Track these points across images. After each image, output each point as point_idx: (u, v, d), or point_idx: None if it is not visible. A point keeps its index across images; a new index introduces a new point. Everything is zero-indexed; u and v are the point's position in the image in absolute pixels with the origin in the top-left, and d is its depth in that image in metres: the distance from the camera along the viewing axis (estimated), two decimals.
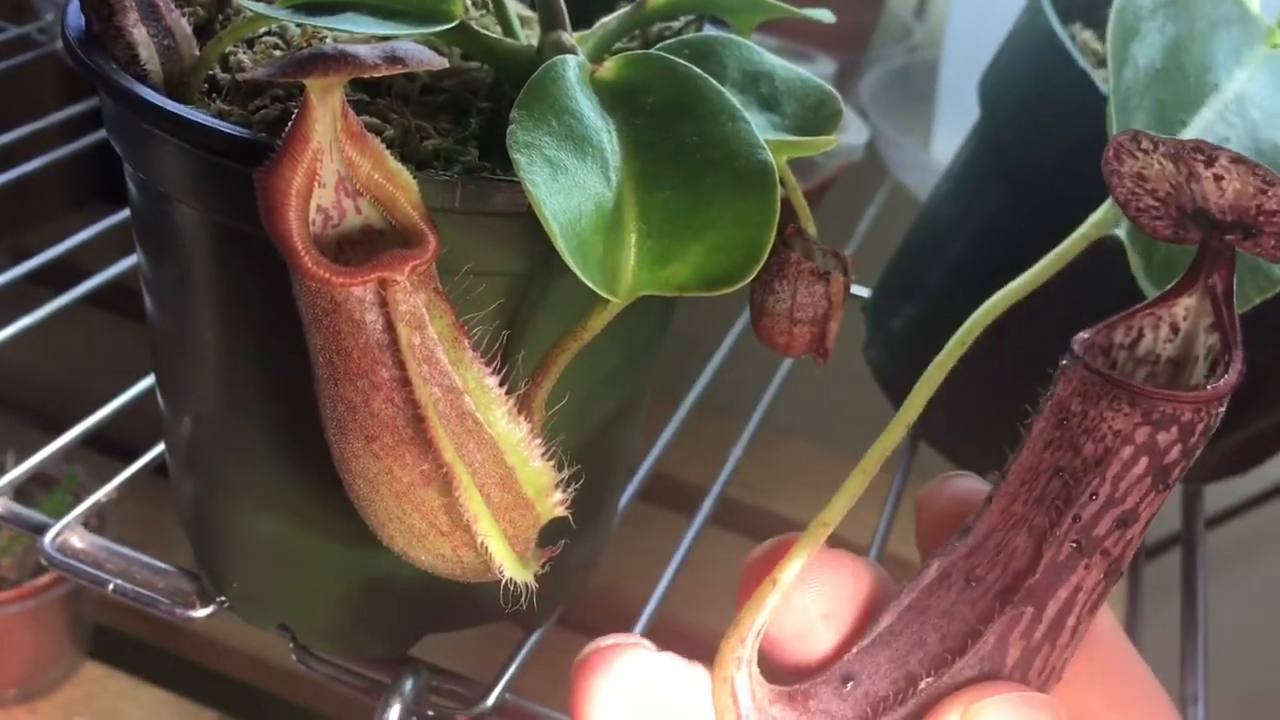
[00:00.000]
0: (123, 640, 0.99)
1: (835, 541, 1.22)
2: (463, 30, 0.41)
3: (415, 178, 0.36)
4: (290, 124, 0.34)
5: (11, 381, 1.22)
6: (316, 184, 0.35)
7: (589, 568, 0.53)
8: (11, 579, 0.87)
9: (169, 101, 0.38)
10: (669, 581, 0.56)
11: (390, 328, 0.35)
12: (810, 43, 0.99)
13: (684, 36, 0.43)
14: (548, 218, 0.34)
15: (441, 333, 0.36)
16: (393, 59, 0.32)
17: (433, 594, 0.49)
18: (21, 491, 0.56)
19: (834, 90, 0.43)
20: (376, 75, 0.32)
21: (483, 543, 0.37)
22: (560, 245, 0.34)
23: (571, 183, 0.35)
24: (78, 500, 0.89)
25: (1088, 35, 0.60)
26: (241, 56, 0.44)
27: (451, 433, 0.36)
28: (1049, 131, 0.55)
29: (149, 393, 0.66)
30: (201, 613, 0.50)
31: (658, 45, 0.42)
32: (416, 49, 0.32)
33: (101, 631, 0.98)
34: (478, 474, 0.37)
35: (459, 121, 0.43)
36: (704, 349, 0.78)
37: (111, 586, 0.51)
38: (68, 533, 0.53)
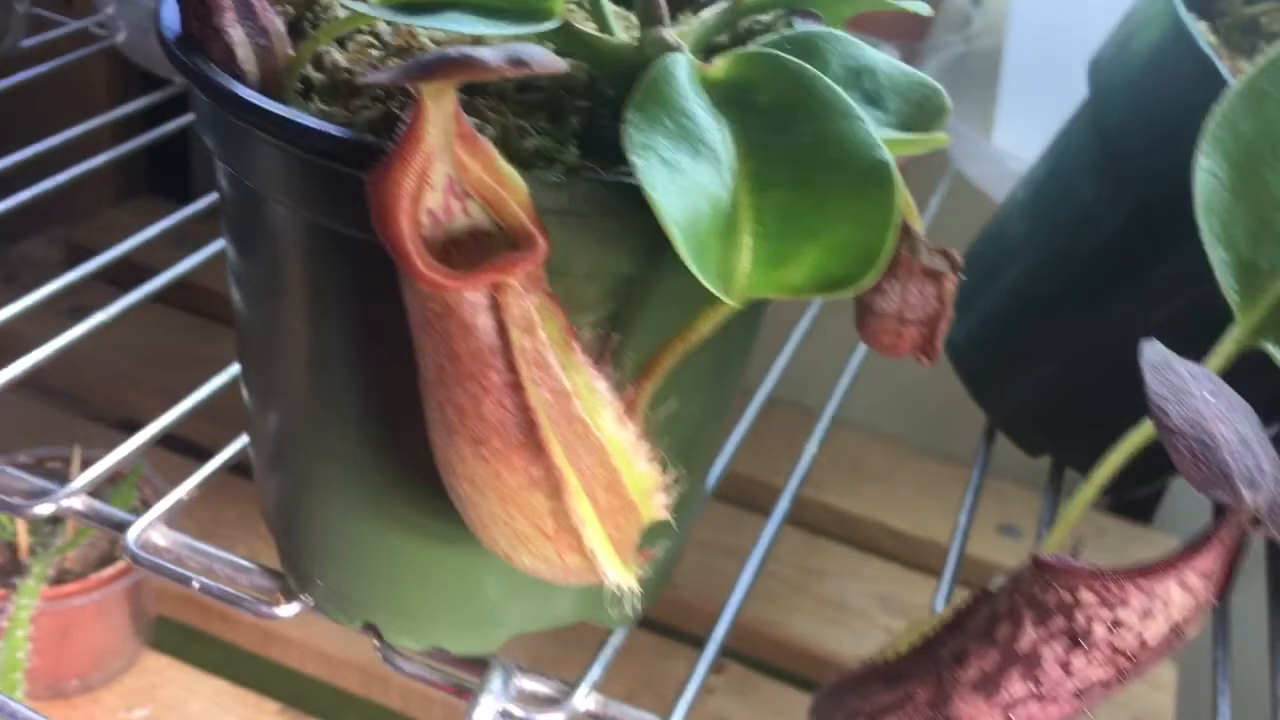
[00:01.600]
0: (183, 631, 1.00)
1: (915, 544, 1.22)
2: (564, 29, 0.40)
3: (524, 179, 0.36)
4: (403, 126, 0.34)
5: (68, 375, 1.22)
6: (427, 187, 0.35)
7: (674, 567, 0.53)
8: (76, 571, 0.87)
9: (275, 104, 0.37)
10: (750, 583, 0.56)
11: (502, 331, 0.35)
12: (870, 32, 0.97)
13: (784, 33, 0.43)
14: (668, 220, 0.33)
15: (552, 336, 0.36)
16: (517, 62, 0.31)
17: (524, 594, 0.48)
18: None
19: (938, 85, 0.42)
20: (498, 79, 0.31)
21: (589, 547, 0.37)
22: (680, 248, 0.33)
23: (688, 184, 0.34)
24: (143, 495, 0.90)
25: (1202, 27, 0.58)
26: (336, 56, 0.43)
27: (560, 436, 0.36)
28: (1164, 119, 0.54)
29: (218, 390, 0.66)
30: (286, 611, 0.50)
31: (759, 41, 0.42)
32: (540, 52, 0.32)
33: (162, 622, 0.98)
34: (585, 477, 0.36)
35: (555, 120, 0.43)
36: (770, 342, 0.77)
37: (196, 585, 0.50)
38: (150, 530, 0.53)
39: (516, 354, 0.35)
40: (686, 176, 0.34)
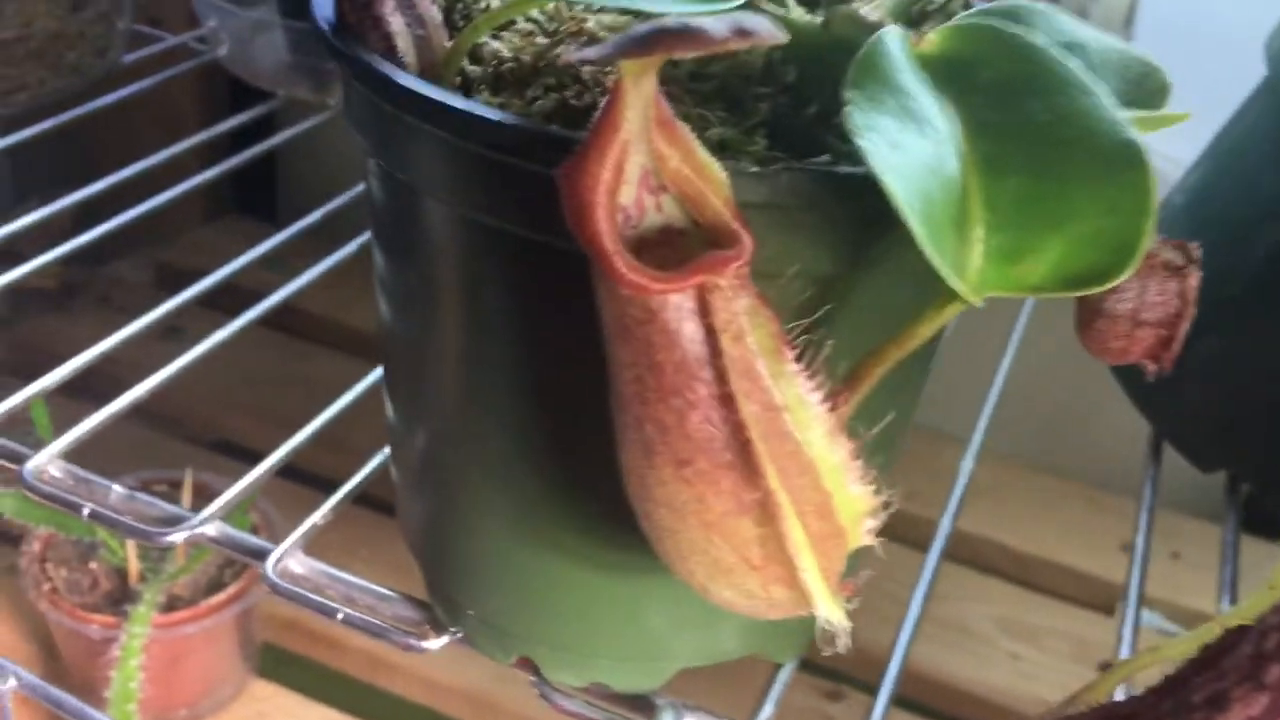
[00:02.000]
0: (289, 658, 0.98)
1: (1034, 564, 1.16)
2: (748, 8, 0.37)
3: (724, 170, 0.32)
4: (599, 113, 0.30)
5: (160, 396, 1.21)
6: (622, 180, 0.31)
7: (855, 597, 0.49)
8: (185, 598, 0.85)
9: (453, 96, 0.34)
10: (915, 622, 0.52)
11: (710, 338, 0.31)
12: None
13: (985, 5, 0.39)
14: (905, 206, 0.29)
15: (761, 343, 0.32)
16: (741, 31, 0.28)
17: (692, 626, 0.45)
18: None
19: (1156, 61, 0.38)
20: (723, 51, 0.28)
21: (803, 577, 0.33)
22: (921, 237, 0.29)
23: (919, 168, 0.31)
24: (253, 521, 0.88)
25: None
26: (496, 45, 0.40)
27: (772, 455, 0.32)
28: None
29: (336, 415, 0.63)
30: (435, 643, 0.47)
31: (962, 16, 0.38)
32: (763, 21, 0.28)
33: (269, 649, 0.96)
34: (797, 502, 0.33)
35: (732, 109, 0.39)
36: None
37: (341, 616, 0.47)
38: (287, 558, 0.50)
39: (726, 363, 0.31)
40: (915, 159, 0.31)
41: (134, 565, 0.85)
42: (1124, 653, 0.51)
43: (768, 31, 0.28)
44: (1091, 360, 0.40)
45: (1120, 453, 1.26)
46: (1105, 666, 1.05)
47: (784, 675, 0.48)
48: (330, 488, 0.55)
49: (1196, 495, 1.14)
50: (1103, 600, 1.13)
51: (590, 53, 0.28)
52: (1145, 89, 0.38)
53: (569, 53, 0.32)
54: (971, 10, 0.38)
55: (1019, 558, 1.15)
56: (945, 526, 0.58)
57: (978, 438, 0.65)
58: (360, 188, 0.87)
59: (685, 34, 0.27)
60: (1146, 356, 0.36)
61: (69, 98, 0.84)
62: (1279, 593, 0.39)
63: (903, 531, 0.59)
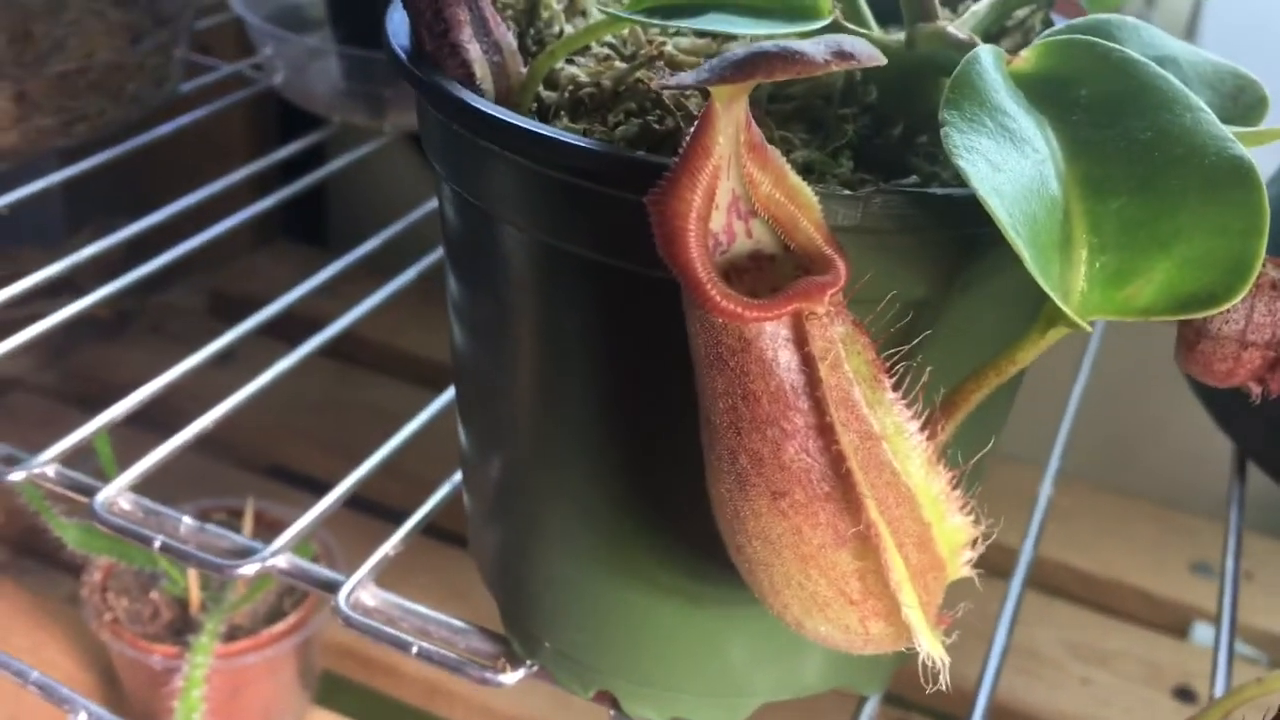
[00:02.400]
0: (348, 686, 0.97)
1: (1102, 586, 1.12)
2: (833, 28, 0.36)
3: (815, 193, 0.31)
4: (689, 138, 0.30)
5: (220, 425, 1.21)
6: (712, 206, 0.31)
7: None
8: (246, 627, 0.85)
9: (537, 123, 0.34)
10: (1000, 656, 0.50)
11: (807, 366, 0.30)
12: None
13: (1072, 21, 0.38)
14: (1010, 229, 0.29)
15: (858, 370, 0.31)
16: (841, 54, 0.27)
17: (774, 659, 0.44)
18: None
19: (1251, 74, 0.37)
20: (823, 74, 0.27)
21: (906, 612, 0.32)
22: (1028, 259, 0.28)
23: (1021, 189, 0.30)
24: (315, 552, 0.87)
25: None
26: (573, 71, 0.40)
27: (871, 486, 0.31)
28: None
29: (400, 446, 0.62)
30: (511, 677, 0.46)
31: (1049, 33, 0.37)
32: (863, 44, 0.28)
33: (327, 677, 0.96)
34: (897, 533, 0.32)
35: (813, 131, 0.38)
36: None
37: (415, 649, 0.47)
38: (359, 590, 0.49)
39: (824, 392, 0.30)
40: (1016, 181, 0.30)
41: (195, 595, 0.85)
42: (1219, 681, 0.49)
43: (868, 54, 0.27)
44: (1158, 380, 0.39)
45: (1188, 472, 1.24)
46: (1182, 692, 1.02)
47: (870, 708, 0.47)
48: (387, 515, 0.55)
49: (1270, 514, 1.12)
50: (1173, 621, 1.10)
51: (687, 78, 0.27)
52: (1241, 103, 0.37)
53: (660, 79, 0.32)
54: (1058, 26, 0.37)
55: (1088, 579, 1.13)
56: (1027, 553, 0.56)
57: (1054, 462, 0.63)
58: (414, 214, 0.87)
59: (785, 57, 0.27)
60: (1252, 379, 0.35)
61: (128, 127, 0.85)
62: None
63: (982, 559, 0.57)
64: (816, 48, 0.27)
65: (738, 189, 0.31)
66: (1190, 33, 0.96)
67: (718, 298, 0.29)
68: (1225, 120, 0.36)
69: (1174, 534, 1.16)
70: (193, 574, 0.85)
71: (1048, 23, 0.46)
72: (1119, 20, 0.38)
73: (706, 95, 0.29)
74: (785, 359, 0.30)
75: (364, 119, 0.91)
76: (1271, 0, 0.86)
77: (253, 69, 0.97)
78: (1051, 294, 0.28)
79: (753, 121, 0.30)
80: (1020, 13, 0.46)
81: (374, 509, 0.98)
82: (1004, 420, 0.43)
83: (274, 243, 1.60)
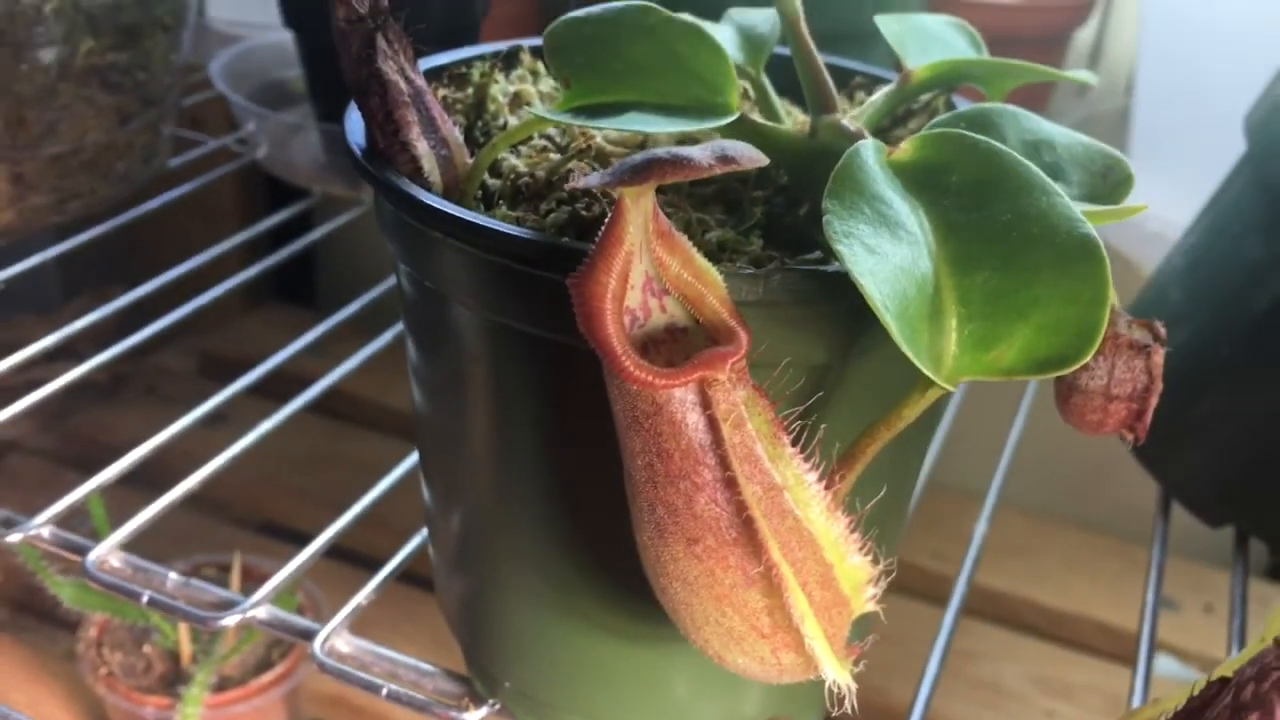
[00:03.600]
0: None
1: (1067, 621, 1.16)
2: (740, 123, 0.41)
3: (720, 272, 0.35)
4: (603, 228, 0.34)
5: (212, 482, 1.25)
6: (627, 286, 0.35)
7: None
8: (235, 678, 0.88)
9: (475, 214, 0.38)
10: (934, 676, 0.54)
11: (712, 427, 0.34)
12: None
13: (958, 111, 0.42)
14: (879, 307, 0.33)
15: (760, 429, 0.35)
16: (725, 159, 0.31)
17: (714, 692, 0.48)
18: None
19: (1120, 155, 0.42)
20: (708, 176, 0.31)
21: (809, 644, 0.36)
22: (895, 333, 0.33)
23: (893, 270, 0.34)
24: (303, 599, 0.91)
25: None
26: (514, 161, 0.44)
27: (775, 532, 0.35)
28: None
29: (379, 497, 0.66)
30: (474, 715, 0.50)
31: (919, 121, 0.41)
32: (745, 148, 0.32)
33: None
34: (800, 573, 0.36)
35: (731, 211, 0.43)
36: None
37: (385, 692, 0.50)
38: (334, 637, 0.53)
39: (728, 449, 0.34)
40: (890, 262, 0.34)
41: (186, 648, 0.88)
42: (1136, 704, 0.53)
43: (748, 157, 0.32)
44: None
45: (1150, 507, 1.28)
46: None
47: None
48: (373, 565, 0.58)
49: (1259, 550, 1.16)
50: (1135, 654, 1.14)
51: (593, 180, 0.32)
52: (1110, 181, 0.41)
53: (574, 180, 0.36)
54: (944, 115, 0.42)
55: (1052, 614, 1.16)
56: (961, 585, 0.60)
57: (991, 498, 0.67)
58: (392, 279, 0.92)
59: (674, 163, 0.31)
60: (1121, 428, 0.39)
61: (118, 203, 0.89)
62: (1266, 645, 0.41)
63: (931, 590, 0.61)
64: (703, 154, 0.31)
65: (650, 271, 0.35)
66: (1128, 92, 1.01)
67: (631, 367, 0.34)
68: (1096, 197, 0.41)
69: (1138, 569, 1.20)
70: (184, 628, 0.88)
71: (950, 106, 0.50)
72: (1000, 109, 0.42)
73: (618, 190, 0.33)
74: (693, 420, 0.34)
75: (343, 190, 0.96)
76: (1202, 62, 0.91)
77: (238, 143, 1.02)
78: (915, 360, 0.33)
79: (660, 212, 0.34)
80: (925, 97, 0.50)
81: (360, 560, 1.02)
82: (914, 468, 0.47)
83: (264, 305, 1.65)
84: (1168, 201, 0.84)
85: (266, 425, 0.71)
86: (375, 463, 0.71)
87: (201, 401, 0.73)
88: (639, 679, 0.47)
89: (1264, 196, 0.59)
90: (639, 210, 0.34)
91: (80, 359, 0.76)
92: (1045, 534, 1.25)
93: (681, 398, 0.34)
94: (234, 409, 0.78)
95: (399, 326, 0.83)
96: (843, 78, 0.53)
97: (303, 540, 0.61)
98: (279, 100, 1.02)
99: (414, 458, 0.69)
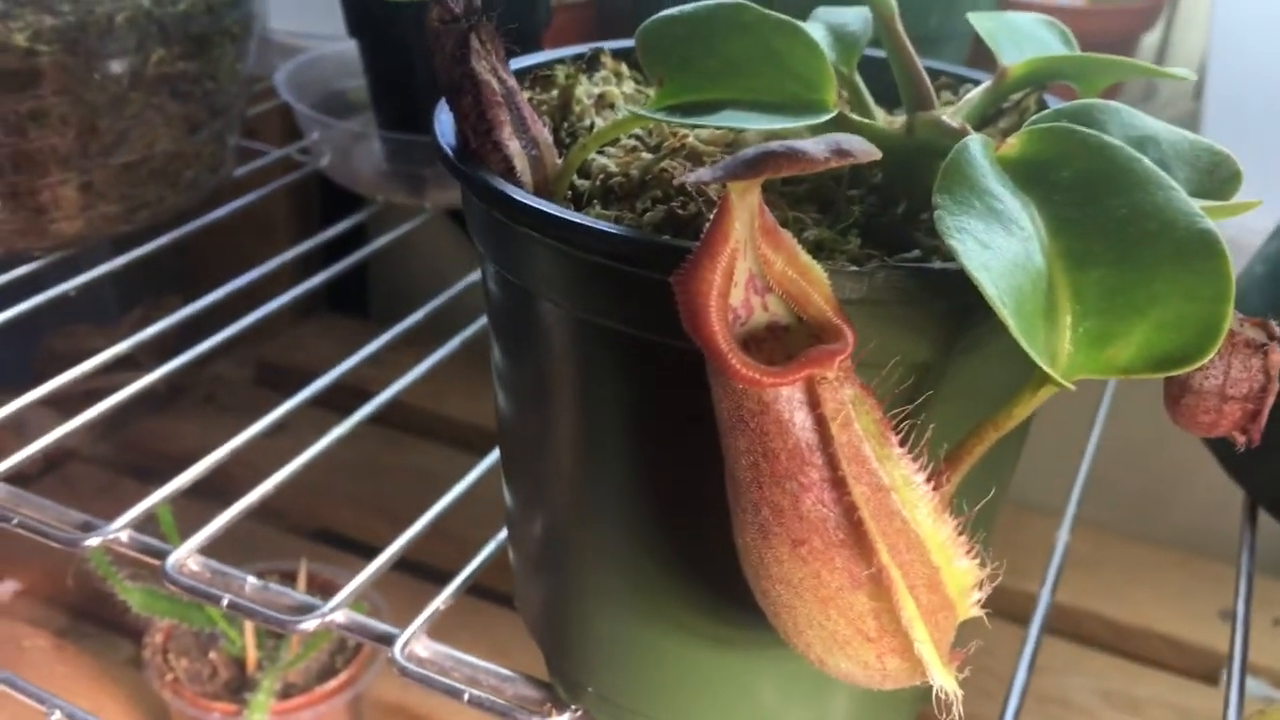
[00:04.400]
0: None
1: (1133, 634, 1.15)
2: (839, 120, 0.40)
3: (825, 270, 0.35)
4: (710, 224, 0.33)
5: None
6: (731, 284, 0.34)
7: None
8: (299, 685, 0.88)
9: (575, 214, 0.38)
10: (1021, 694, 0.53)
11: (820, 426, 0.34)
12: None
13: (1059, 107, 0.42)
14: (997, 301, 0.32)
15: (867, 428, 0.34)
16: (840, 152, 0.31)
17: (802, 699, 0.47)
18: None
19: (1226, 150, 0.41)
20: (823, 169, 0.31)
21: (918, 648, 0.35)
22: (1013, 327, 0.32)
23: (1007, 264, 0.33)
24: (369, 608, 0.91)
25: None
26: (603, 161, 0.44)
27: (883, 533, 0.34)
28: None
29: (447, 508, 0.66)
30: None
31: (1037, 118, 0.41)
32: (859, 141, 0.31)
33: None
34: (908, 576, 0.35)
35: (824, 210, 0.42)
36: None
37: (466, 697, 0.50)
38: (414, 642, 0.53)
39: (836, 449, 0.34)
40: (1004, 256, 0.33)
41: (251, 654, 0.88)
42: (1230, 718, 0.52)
43: (863, 150, 0.31)
44: (1179, 432, 0.42)
45: (1215, 519, 1.25)
46: None
47: None
48: (430, 575, 0.58)
49: None
50: (1204, 669, 1.12)
51: (705, 174, 0.31)
52: (1216, 178, 0.40)
53: (683, 175, 0.35)
54: (1046, 111, 0.41)
55: (1118, 628, 1.15)
56: (1045, 598, 0.59)
57: (1071, 509, 0.66)
58: (455, 286, 0.92)
59: (789, 156, 0.30)
60: (1235, 429, 0.38)
61: (185, 212, 0.90)
62: None
63: (1000, 605, 0.60)
64: (818, 147, 0.31)
65: (754, 268, 0.35)
66: (1197, 97, 1.00)
67: (738, 366, 0.33)
68: (1202, 193, 0.40)
69: (1202, 581, 1.18)
70: (249, 634, 0.88)
71: (1042, 104, 0.49)
72: (1102, 104, 0.41)
73: (724, 186, 0.33)
74: (800, 419, 0.34)
75: (405, 198, 0.96)
76: (1274, 64, 0.90)
77: (300, 153, 1.02)
78: (1035, 357, 0.32)
79: (765, 208, 0.34)
80: (1016, 95, 0.49)
81: (418, 570, 1.02)
82: (1012, 470, 0.46)
83: (318, 315, 1.66)
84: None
85: (331, 435, 0.71)
86: (432, 471, 0.71)
87: (256, 409, 0.73)
88: (725, 685, 0.46)
89: None
90: (745, 206, 0.33)
91: (139, 368, 0.76)
92: (1108, 547, 1.23)
93: (789, 396, 0.34)
94: (292, 418, 0.78)
95: (460, 336, 0.83)
96: (930, 78, 0.52)
97: (357, 548, 0.61)
98: (340, 110, 1.02)
99: (479, 468, 0.68)
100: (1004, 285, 0.33)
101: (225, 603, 0.54)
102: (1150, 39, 1.13)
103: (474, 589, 0.75)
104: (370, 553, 0.62)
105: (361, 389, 0.80)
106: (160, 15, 0.78)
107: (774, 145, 0.31)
